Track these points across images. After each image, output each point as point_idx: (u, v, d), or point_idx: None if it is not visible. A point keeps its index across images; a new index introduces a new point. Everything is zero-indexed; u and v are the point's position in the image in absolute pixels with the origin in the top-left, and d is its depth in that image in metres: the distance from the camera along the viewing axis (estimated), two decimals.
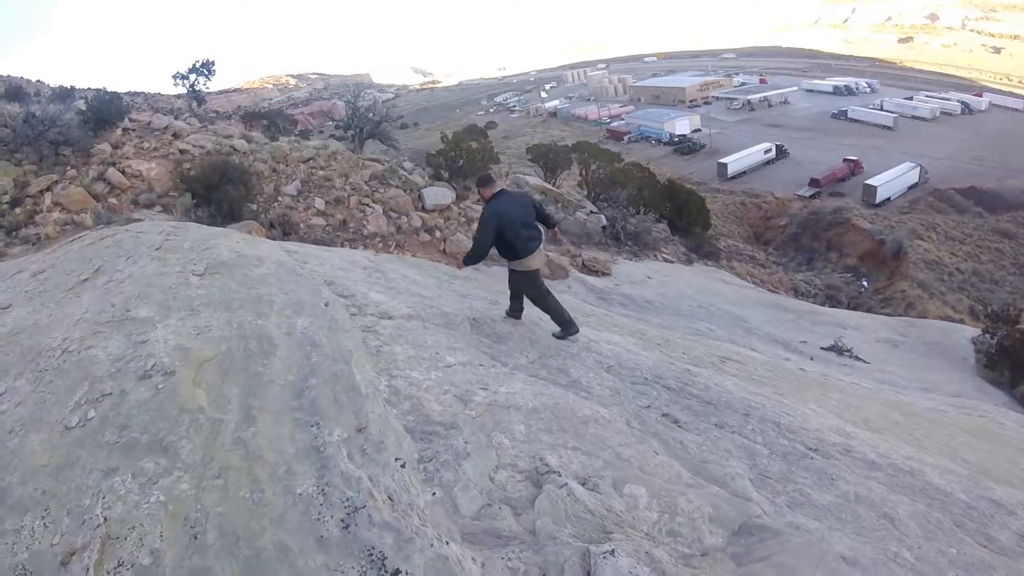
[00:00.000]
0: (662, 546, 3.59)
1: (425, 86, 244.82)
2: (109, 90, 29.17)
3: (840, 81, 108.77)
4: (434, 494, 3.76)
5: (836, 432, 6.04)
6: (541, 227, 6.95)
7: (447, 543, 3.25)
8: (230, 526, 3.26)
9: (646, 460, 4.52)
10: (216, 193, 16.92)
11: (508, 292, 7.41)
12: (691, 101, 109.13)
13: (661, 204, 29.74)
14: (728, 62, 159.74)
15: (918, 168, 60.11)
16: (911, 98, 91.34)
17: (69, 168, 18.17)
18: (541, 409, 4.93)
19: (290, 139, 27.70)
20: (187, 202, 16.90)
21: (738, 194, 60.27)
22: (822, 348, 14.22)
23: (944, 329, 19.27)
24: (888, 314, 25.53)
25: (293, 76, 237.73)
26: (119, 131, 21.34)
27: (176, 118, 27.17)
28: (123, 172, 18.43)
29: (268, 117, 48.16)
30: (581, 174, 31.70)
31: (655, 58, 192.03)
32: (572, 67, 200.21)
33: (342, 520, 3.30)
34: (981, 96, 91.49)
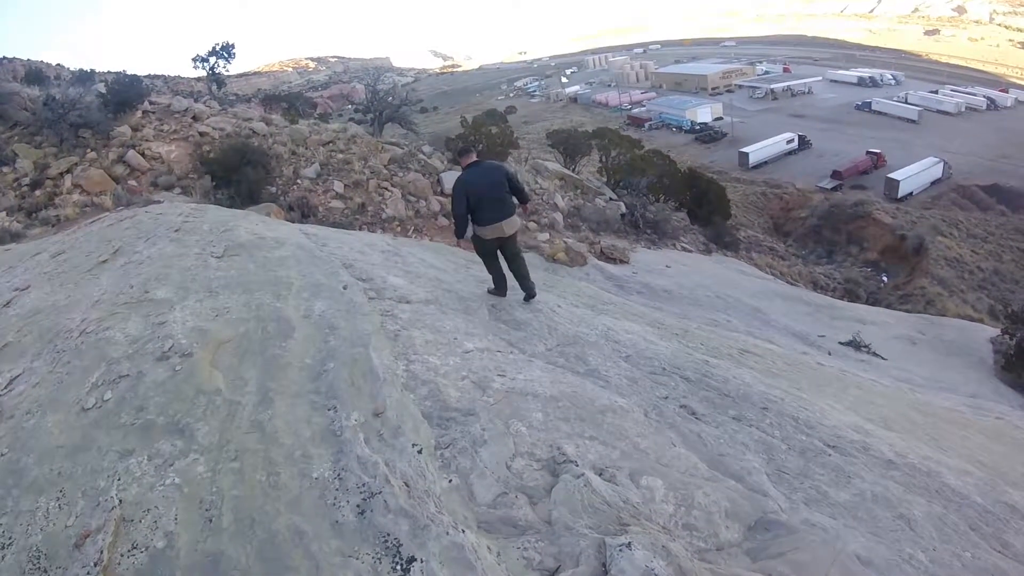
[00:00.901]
0: (678, 540, 3.55)
1: (445, 70, 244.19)
2: (129, 73, 29.32)
3: (865, 72, 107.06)
4: (450, 481, 3.74)
5: (854, 429, 5.96)
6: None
7: (463, 531, 3.23)
8: (245, 509, 3.26)
9: (663, 452, 4.48)
10: (236, 175, 16.97)
11: (528, 279, 7.68)
12: (713, 89, 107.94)
13: (681, 192, 29.49)
14: (750, 49, 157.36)
15: (941, 163, 59.19)
16: (936, 92, 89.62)
17: (89, 150, 18.21)
18: (559, 397, 4.89)
19: (310, 122, 27.61)
20: (207, 184, 16.95)
21: (759, 184, 59.75)
22: (840, 343, 14.06)
23: (963, 328, 19.02)
24: (907, 311, 25.22)
25: (313, 59, 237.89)
26: (139, 114, 21.34)
27: (196, 101, 27.16)
28: (143, 154, 18.46)
29: (288, 100, 48.40)
30: (601, 160, 31.46)
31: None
32: (594, 52, 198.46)
33: (358, 505, 3.30)
34: (1007, 92, 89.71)
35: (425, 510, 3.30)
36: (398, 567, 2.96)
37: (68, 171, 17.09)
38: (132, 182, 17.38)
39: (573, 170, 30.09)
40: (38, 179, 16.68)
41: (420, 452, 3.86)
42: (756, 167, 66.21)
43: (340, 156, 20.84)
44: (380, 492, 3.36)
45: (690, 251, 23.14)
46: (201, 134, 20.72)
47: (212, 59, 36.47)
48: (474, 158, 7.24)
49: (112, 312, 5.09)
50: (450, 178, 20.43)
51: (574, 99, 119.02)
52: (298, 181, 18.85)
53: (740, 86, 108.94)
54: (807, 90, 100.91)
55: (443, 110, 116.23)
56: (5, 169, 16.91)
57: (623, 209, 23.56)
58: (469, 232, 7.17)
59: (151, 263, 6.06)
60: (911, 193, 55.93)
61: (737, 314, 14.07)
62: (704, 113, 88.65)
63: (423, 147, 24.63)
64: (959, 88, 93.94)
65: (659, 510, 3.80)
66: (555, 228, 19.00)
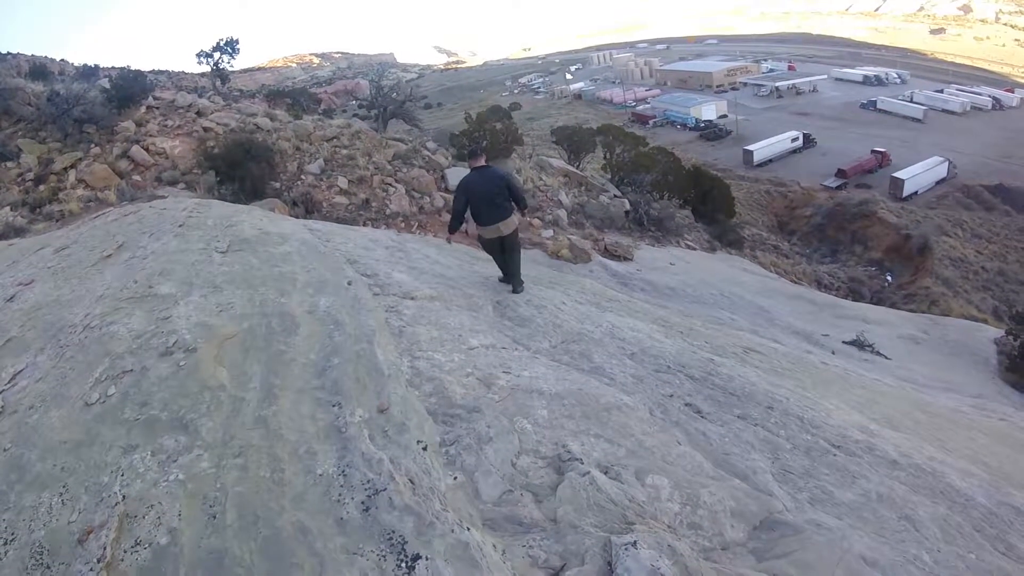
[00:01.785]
0: (684, 539, 3.54)
1: (449, 66, 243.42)
2: (133, 69, 29.27)
3: (870, 71, 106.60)
4: (455, 478, 3.73)
5: (859, 429, 5.93)
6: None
7: (468, 529, 3.22)
8: (249, 506, 3.25)
9: (669, 450, 4.46)
10: (239, 171, 16.93)
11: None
12: (718, 86, 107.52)
13: (685, 190, 29.37)
14: (757, 47, 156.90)
15: (946, 163, 58.90)
16: (941, 91, 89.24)
17: (93, 146, 18.23)
18: (564, 395, 4.88)
19: (314, 118, 27.61)
20: (210, 179, 16.93)
21: (763, 182, 59.53)
22: (844, 342, 14.01)
23: (967, 329, 18.93)
24: (911, 310, 25.16)
25: (317, 55, 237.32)
26: (143, 109, 21.37)
27: (200, 96, 27.14)
28: (147, 149, 18.48)
29: (292, 96, 48.26)
30: (605, 157, 31.32)
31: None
32: (598, 49, 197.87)
33: (362, 502, 3.28)
34: (1012, 92, 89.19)
35: (430, 507, 3.29)
36: (403, 564, 2.94)
37: (72, 166, 17.13)
38: (136, 177, 17.39)
39: (577, 167, 30.02)
40: (42, 174, 16.72)
41: (425, 449, 3.85)
42: (760, 165, 65.94)
43: (344, 152, 20.82)
44: (385, 489, 3.34)
45: (694, 249, 23.09)
46: (205, 129, 20.75)
47: (216, 55, 36.37)
48: (482, 162, 7.72)
49: (116, 307, 5.07)
50: (454, 174, 20.42)
51: (578, 96, 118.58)
52: (302, 177, 18.84)
53: (745, 84, 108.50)
54: (812, 88, 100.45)
55: (447, 106, 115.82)
56: (9, 164, 16.93)
57: (627, 206, 23.50)
58: (472, 229, 7.47)
59: (155, 258, 6.05)
60: (916, 192, 55.73)
61: (741, 312, 14.04)
62: (709, 111, 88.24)
63: (427, 143, 24.56)
64: (964, 87, 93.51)
65: (665, 509, 3.79)
66: (559, 225, 18.98)
